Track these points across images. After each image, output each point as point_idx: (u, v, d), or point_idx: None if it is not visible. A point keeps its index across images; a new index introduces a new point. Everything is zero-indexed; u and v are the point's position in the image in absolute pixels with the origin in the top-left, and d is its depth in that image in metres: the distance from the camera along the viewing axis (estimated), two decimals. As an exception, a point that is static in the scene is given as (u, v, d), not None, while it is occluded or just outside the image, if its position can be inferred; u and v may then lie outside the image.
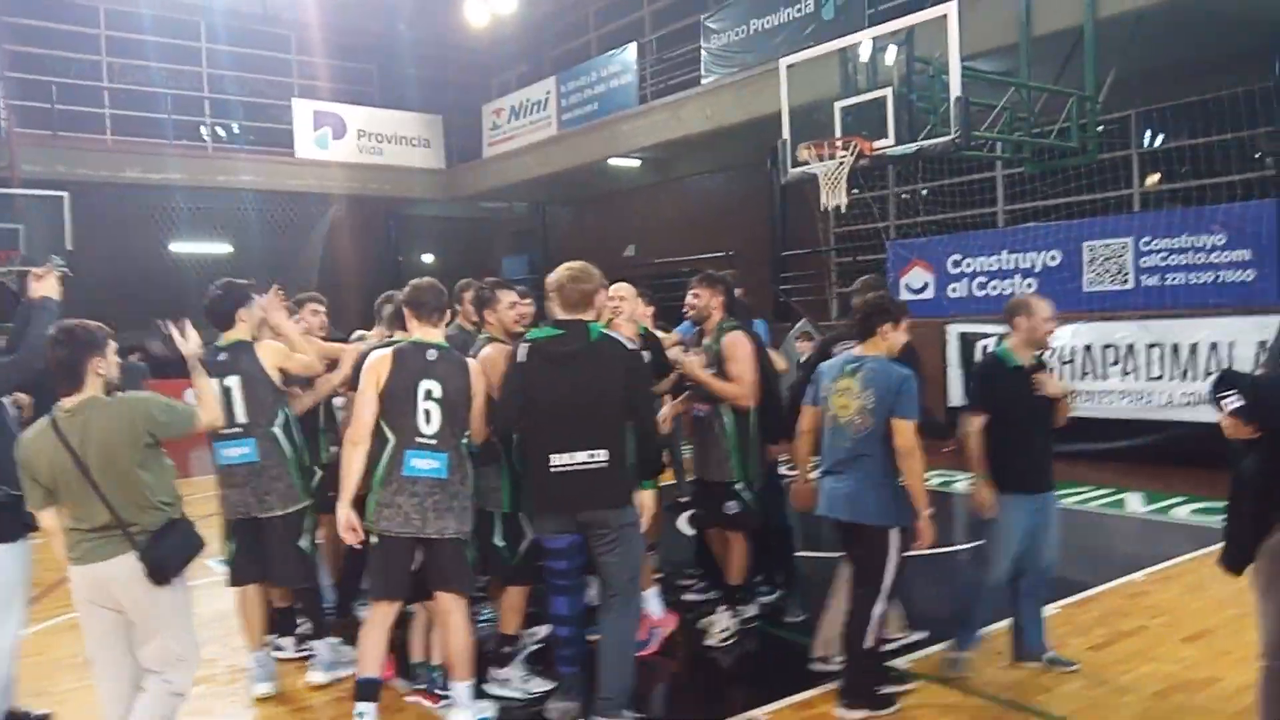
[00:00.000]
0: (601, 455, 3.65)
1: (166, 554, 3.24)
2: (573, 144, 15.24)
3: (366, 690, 3.73)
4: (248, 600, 4.36)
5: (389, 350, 3.82)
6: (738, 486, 4.60)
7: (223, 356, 4.22)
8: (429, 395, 3.72)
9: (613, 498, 3.71)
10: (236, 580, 4.35)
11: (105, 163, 14.74)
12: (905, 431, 3.74)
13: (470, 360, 3.96)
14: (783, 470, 5.29)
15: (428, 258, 20.69)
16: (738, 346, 4.57)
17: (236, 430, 4.19)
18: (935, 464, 6.63)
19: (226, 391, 4.16)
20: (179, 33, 16.65)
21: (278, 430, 4.25)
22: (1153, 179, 10.92)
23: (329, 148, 16.57)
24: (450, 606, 3.79)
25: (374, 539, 3.73)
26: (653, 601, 4.72)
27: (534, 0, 16.82)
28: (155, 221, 16.15)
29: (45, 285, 3.90)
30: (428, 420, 3.72)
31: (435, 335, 3.86)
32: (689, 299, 4.81)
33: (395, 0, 17.62)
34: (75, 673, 4.67)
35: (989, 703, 3.97)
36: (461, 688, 3.82)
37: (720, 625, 4.78)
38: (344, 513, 3.69)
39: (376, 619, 3.80)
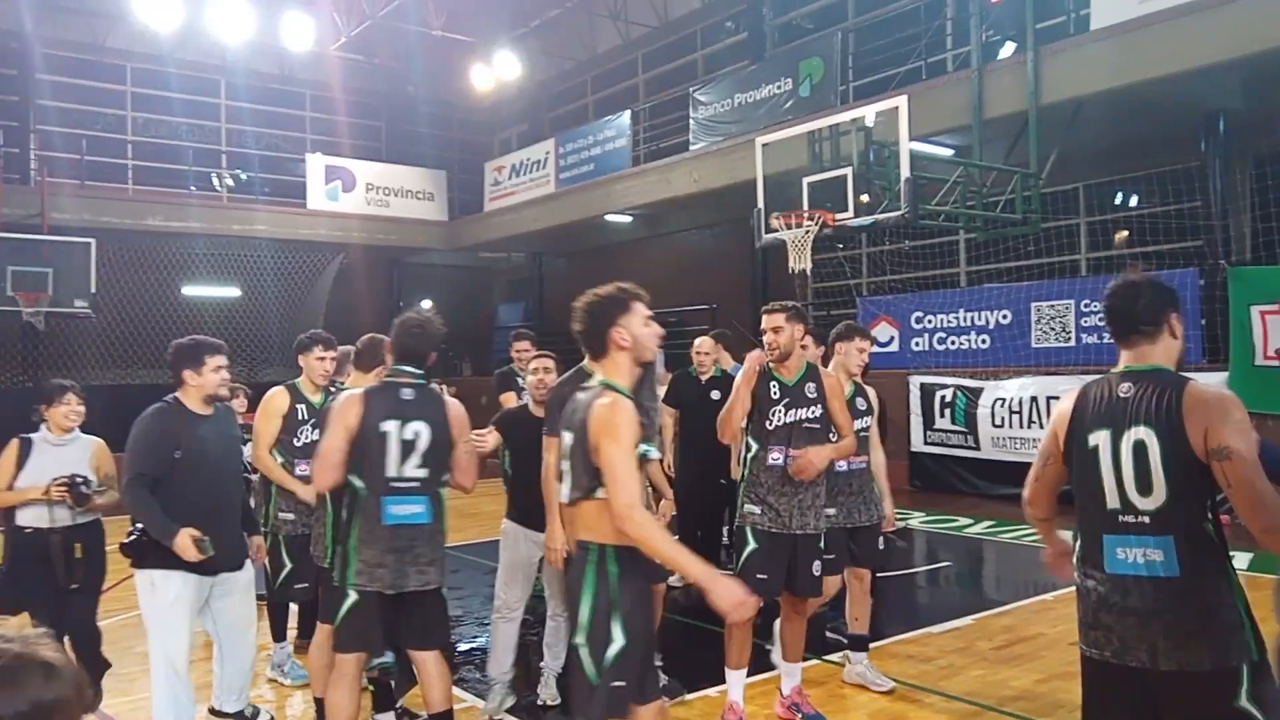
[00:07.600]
0: None
1: None
2: (569, 201, 16.30)
3: None
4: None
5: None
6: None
7: None
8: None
9: None
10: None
11: (129, 211, 15.72)
12: None
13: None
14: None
15: (427, 303, 21.66)
16: None
17: None
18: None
19: None
20: (201, 90, 17.75)
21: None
22: (1121, 235, 11.92)
23: (339, 200, 17.62)
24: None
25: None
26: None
27: (535, 67, 18.03)
28: (172, 266, 17.11)
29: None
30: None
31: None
32: (769, 336, 4.40)
33: (405, 64, 18.78)
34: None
35: (898, 685, 4.83)
36: None
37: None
38: None
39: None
